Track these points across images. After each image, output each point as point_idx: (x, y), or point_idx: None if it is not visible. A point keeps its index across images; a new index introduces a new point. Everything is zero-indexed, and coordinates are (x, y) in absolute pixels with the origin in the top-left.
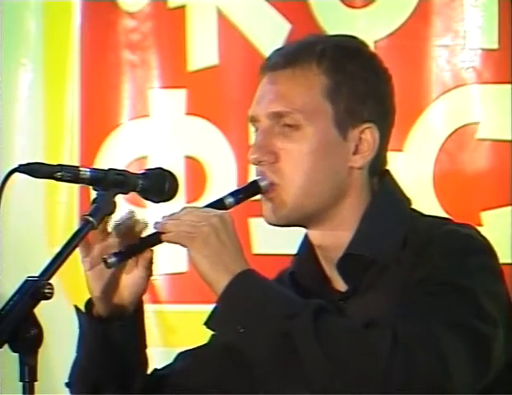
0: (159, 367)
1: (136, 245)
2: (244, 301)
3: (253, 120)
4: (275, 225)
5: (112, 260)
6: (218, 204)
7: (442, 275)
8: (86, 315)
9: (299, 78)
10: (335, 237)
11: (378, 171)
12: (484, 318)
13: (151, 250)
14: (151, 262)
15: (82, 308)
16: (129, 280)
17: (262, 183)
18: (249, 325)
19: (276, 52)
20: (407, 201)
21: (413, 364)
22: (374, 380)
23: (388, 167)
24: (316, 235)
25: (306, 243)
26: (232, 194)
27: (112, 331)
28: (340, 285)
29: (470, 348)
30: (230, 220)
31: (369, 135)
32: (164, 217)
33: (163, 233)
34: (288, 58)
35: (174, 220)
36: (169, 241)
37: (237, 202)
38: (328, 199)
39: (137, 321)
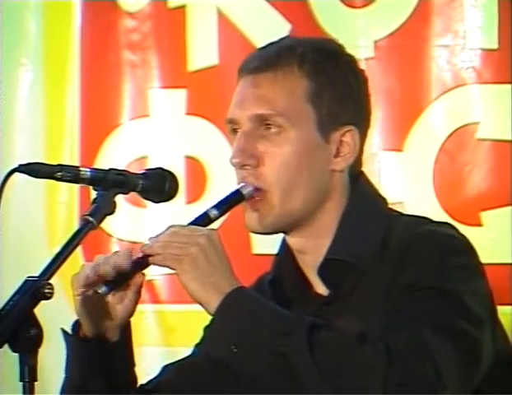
0: (155, 369)
1: (125, 272)
2: (237, 320)
3: (233, 123)
4: (259, 233)
5: (103, 290)
6: (203, 218)
7: (427, 279)
8: (75, 337)
9: (281, 81)
10: (315, 242)
11: (356, 173)
12: (471, 319)
13: (143, 274)
14: (140, 287)
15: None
16: (118, 304)
17: (245, 191)
18: (243, 344)
19: (254, 54)
20: (384, 200)
21: (408, 374)
22: None
23: (388, 167)
24: (296, 241)
25: (285, 248)
26: (216, 206)
27: (102, 350)
28: (321, 289)
29: (460, 351)
30: (218, 238)
31: (349, 138)
32: (151, 239)
33: (150, 256)
34: (269, 60)
35: (161, 242)
36: (156, 264)
37: (221, 214)
38: (311, 203)
39: (125, 340)
